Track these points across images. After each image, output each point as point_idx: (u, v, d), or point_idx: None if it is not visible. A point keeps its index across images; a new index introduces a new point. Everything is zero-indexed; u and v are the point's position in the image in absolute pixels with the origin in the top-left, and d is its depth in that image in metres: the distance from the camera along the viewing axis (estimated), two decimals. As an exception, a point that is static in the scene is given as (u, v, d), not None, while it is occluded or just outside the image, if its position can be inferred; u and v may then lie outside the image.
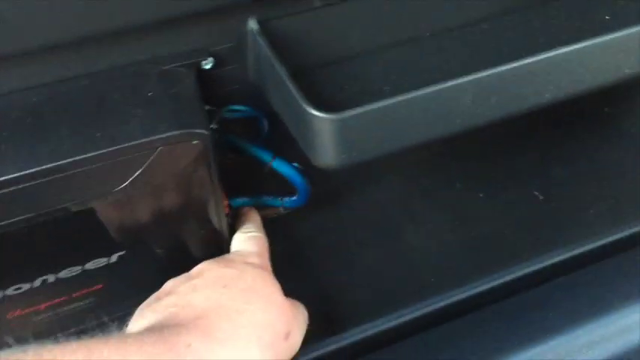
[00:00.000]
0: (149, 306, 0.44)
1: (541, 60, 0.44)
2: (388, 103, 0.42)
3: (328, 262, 0.61)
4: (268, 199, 0.58)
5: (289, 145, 0.57)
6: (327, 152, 0.43)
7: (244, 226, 0.52)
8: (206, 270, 0.45)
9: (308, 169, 0.57)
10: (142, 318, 0.42)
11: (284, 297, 0.45)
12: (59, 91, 0.41)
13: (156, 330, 0.39)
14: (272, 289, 0.45)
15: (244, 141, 0.53)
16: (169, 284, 0.46)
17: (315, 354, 0.53)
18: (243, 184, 0.57)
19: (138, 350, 0.36)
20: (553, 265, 0.60)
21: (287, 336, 0.42)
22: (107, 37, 0.41)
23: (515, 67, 0.44)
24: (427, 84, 0.44)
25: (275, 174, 0.59)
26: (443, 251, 0.62)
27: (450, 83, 0.43)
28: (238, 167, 0.55)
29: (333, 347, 0.54)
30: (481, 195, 0.67)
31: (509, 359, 0.50)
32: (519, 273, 0.59)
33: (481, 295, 0.58)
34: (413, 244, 0.63)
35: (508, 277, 0.58)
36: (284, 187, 0.59)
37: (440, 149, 0.69)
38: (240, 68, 0.47)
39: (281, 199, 0.58)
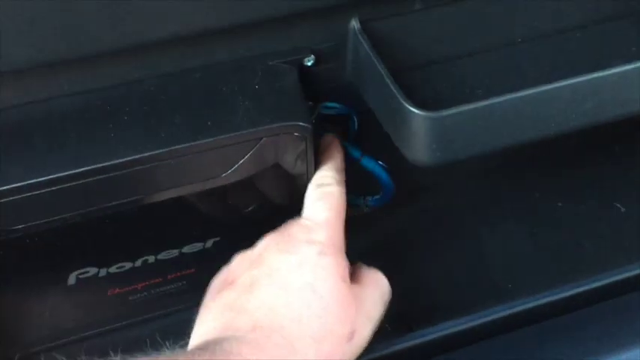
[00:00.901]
0: (213, 299, 0.42)
1: (636, 68, 0.44)
2: (485, 104, 0.43)
3: (403, 262, 0.62)
4: (352, 197, 0.59)
5: (375, 145, 0.59)
6: (423, 149, 0.44)
7: (322, 171, 0.47)
8: (265, 255, 0.42)
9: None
10: (203, 317, 0.41)
11: (348, 286, 0.41)
12: (175, 82, 0.44)
13: (209, 348, 0.37)
14: (333, 281, 0.40)
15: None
16: (235, 263, 0.43)
17: (386, 351, 0.54)
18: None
19: None
20: (633, 278, 0.59)
21: (351, 336, 0.40)
22: (219, 34, 0.43)
23: (610, 74, 0.44)
24: (519, 88, 0.45)
25: (358, 173, 0.60)
26: (518, 259, 0.63)
27: (545, 87, 0.44)
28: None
29: (404, 345, 0.55)
30: (560, 204, 0.67)
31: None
32: (596, 284, 0.58)
33: (555, 304, 0.58)
34: (488, 250, 0.63)
35: (584, 288, 0.58)
36: (365, 186, 0.61)
37: (518, 156, 0.69)
38: (338, 67, 0.49)
39: (364, 198, 0.60)
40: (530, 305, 0.56)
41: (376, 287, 0.43)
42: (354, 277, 0.43)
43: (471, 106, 0.43)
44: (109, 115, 0.42)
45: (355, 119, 0.55)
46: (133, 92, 0.43)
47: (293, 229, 0.44)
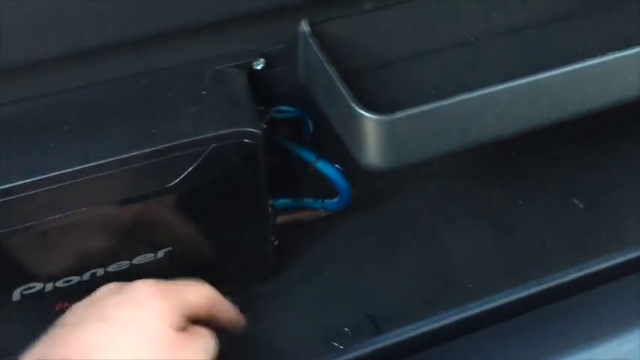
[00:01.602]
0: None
1: (594, 65, 0.44)
2: (436, 105, 0.43)
3: (365, 265, 0.61)
4: (309, 201, 0.59)
5: (330, 148, 0.59)
6: (375, 154, 0.43)
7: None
8: (98, 297, 0.43)
9: (347, 172, 0.58)
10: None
11: (173, 331, 0.42)
12: (119, 89, 0.42)
13: None
14: (158, 322, 0.41)
15: (289, 141, 0.54)
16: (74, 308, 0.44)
17: (354, 354, 0.54)
18: (285, 185, 0.58)
19: None
20: (592, 274, 0.60)
21: None
22: (163, 38, 0.42)
23: (560, 73, 0.44)
24: (472, 88, 0.44)
25: (315, 176, 0.59)
26: (480, 257, 0.63)
27: (497, 87, 0.43)
28: (280, 168, 0.56)
29: (371, 348, 0.54)
30: (520, 202, 0.67)
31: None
32: (557, 281, 0.59)
33: (517, 302, 0.58)
34: (451, 249, 0.63)
35: (546, 285, 0.58)
36: (323, 189, 0.60)
37: (477, 155, 0.69)
38: (289, 70, 0.48)
39: (322, 201, 0.59)
40: (493, 304, 0.56)
41: (199, 338, 0.43)
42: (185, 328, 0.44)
43: (424, 107, 0.43)
44: (50, 124, 0.41)
45: (309, 122, 0.54)
46: (76, 100, 0.42)
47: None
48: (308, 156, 0.54)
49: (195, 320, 0.44)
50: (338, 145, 0.54)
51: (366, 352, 0.53)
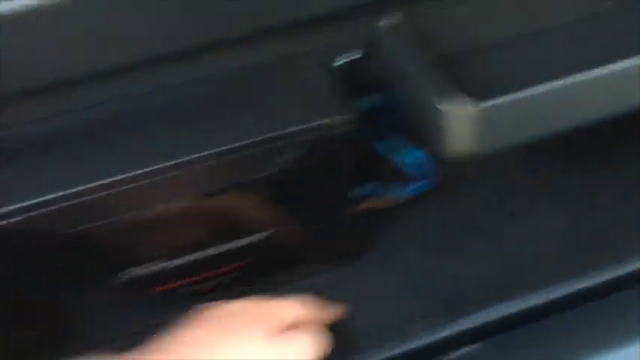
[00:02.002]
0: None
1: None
2: (520, 95, 0.44)
3: (440, 251, 0.63)
4: (392, 188, 0.60)
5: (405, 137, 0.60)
6: (459, 142, 0.45)
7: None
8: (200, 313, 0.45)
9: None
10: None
11: (266, 334, 0.44)
12: (220, 84, 0.46)
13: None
14: (253, 328, 0.44)
15: (376, 132, 0.56)
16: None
17: (428, 340, 0.56)
18: (369, 173, 0.60)
19: None
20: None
21: None
22: (260, 35, 0.45)
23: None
24: (550, 77, 0.45)
25: (397, 164, 0.61)
26: (552, 245, 0.63)
27: (581, 76, 0.45)
28: (364, 157, 0.58)
29: (445, 334, 0.56)
30: (591, 190, 0.67)
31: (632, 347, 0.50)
32: (629, 269, 0.59)
33: (584, 292, 0.58)
34: (523, 237, 0.63)
35: (617, 273, 0.59)
36: (406, 176, 0.62)
37: (538, 146, 0.69)
38: (371, 64, 0.50)
39: (404, 188, 0.60)
40: (560, 294, 0.57)
41: (298, 340, 0.45)
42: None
43: (508, 97, 0.44)
44: (161, 120, 0.44)
45: (387, 114, 0.56)
46: (179, 96, 0.45)
47: None
48: (392, 145, 0.56)
49: None
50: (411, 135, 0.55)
51: (440, 338, 0.55)
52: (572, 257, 0.60)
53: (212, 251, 0.50)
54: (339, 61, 0.49)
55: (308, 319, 0.47)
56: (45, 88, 0.42)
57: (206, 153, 0.43)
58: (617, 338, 0.51)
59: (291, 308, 0.47)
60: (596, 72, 0.45)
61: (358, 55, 0.49)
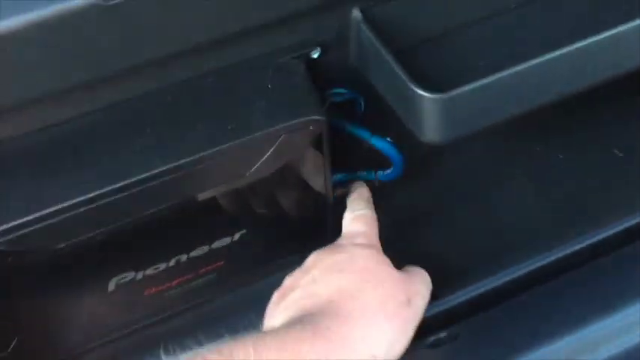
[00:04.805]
0: (277, 305, 0.48)
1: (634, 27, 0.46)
2: (490, 80, 0.45)
3: (420, 229, 0.64)
4: (363, 174, 0.62)
5: (382, 122, 0.61)
6: (434, 129, 0.46)
7: (354, 204, 0.55)
8: (318, 260, 0.49)
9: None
10: (274, 317, 0.47)
11: (394, 269, 0.49)
12: (190, 89, 0.45)
13: (296, 322, 0.43)
14: (383, 265, 0.48)
15: (344, 121, 0.56)
16: (288, 281, 0.49)
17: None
18: (340, 161, 0.61)
19: (296, 341, 0.41)
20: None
21: (409, 302, 0.46)
22: (230, 37, 0.45)
23: (610, 35, 0.46)
24: (519, 56, 0.46)
25: (368, 151, 0.62)
26: (529, 214, 0.65)
27: (547, 56, 0.46)
28: (335, 145, 0.58)
29: (430, 313, 0.57)
30: (561, 156, 0.69)
31: (602, 322, 0.52)
32: (605, 234, 0.61)
33: (568, 257, 0.60)
34: (500, 209, 0.65)
35: (595, 238, 0.60)
36: (376, 162, 0.63)
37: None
38: (343, 55, 0.50)
39: (375, 173, 0.62)
40: (546, 261, 0.59)
41: (419, 274, 0.51)
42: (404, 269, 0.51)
43: (479, 83, 0.45)
44: (133, 130, 0.44)
45: (362, 102, 0.57)
46: (151, 104, 0.45)
47: (338, 241, 0.52)
48: (362, 133, 0.57)
49: None
50: (388, 119, 0.56)
51: (430, 314, 0.56)
52: (548, 227, 0.62)
53: (195, 253, 0.51)
54: (311, 56, 0.49)
55: None
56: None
57: (186, 160, 0.43)
58: (596, 308, 0.53)
59: None
60: (563, 50, 0.46)
61: (326, 49, 0.49)
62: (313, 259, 0.49)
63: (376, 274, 0.47)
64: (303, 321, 0.43)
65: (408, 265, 0.50)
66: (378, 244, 0.52)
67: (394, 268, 0.49)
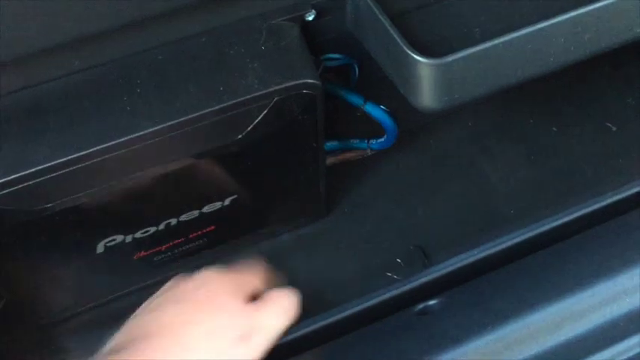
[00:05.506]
0: (126, 322, 0.44)
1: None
2: (487, 46, 0.44)
3: (411, 199, 0.64)
4: (356, 142, 0.61)
5: (376, 90, 0.60)
6: (429, 95, 0.45)
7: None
8: (170, 286, 0.46)
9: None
10: (116, 334, 0.43)
11: (241, 300, 0.44)
12: (181, 49, 0.44)
13: (114, 351, 0.41)
14: (228, 296, 0.44)
15: (338, 87, 0.56)
16: (147, 301, 0.46)
17: (405, 287, 0.57)
18: (332, 128, 0.60)
19: None
20: (631, 196, 0.62)
21: (246, 338, 0.42)
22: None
23: (611, 3, 0.45)
24: (516, 23, 0.46)
25: (360, 118, 0.62)
26: (520, 185, 0.65)
27: (545, 23, 0.45)
28: (328, 112, 0.58)
29: (420, 281, 0.58)
30: (554, 129, 0.69)
31: (597, 287, 0.53)
32: (596, 205, 0.61)
33: (557, 228, 0.61)
34: (491, 179, 0.66)
35: (585, 210, 0.61)
36: (369, 130, 0.63)
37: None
38: (337, 18, 0.49)
39: (368, 142, 0.61)
40: (537, 231, 0.59)
41: (275, 304, 0.45)
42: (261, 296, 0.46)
43: (474, 49, 0.44)
44: (122, 90, 0.43)
45: (356, 68, 0.56)
46: (141, 64, 0.44)
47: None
48: (356, 99, 0.56)
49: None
50: (381, 88, 0.56)
51: (416, 285, 0.57)
52: (539, 199, 0.63)
53: (185, 217, 0.50)
54: (306, 18, 0.48)
55: (274, 283, 0.46)
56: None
57: (176, 121, 0.43)
58: (583, 277, 0.54)
59: (260, 273, 0.46)
60: (560, 18, 0.45)
61: (321, 11, 0.48)
62: (170, 283, 0.46)
63: (213, 306, 0.43)
64: (120, 352, 0.40)
65: (273, 290, 0.45)
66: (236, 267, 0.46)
67: (239, 300, 0.44)
